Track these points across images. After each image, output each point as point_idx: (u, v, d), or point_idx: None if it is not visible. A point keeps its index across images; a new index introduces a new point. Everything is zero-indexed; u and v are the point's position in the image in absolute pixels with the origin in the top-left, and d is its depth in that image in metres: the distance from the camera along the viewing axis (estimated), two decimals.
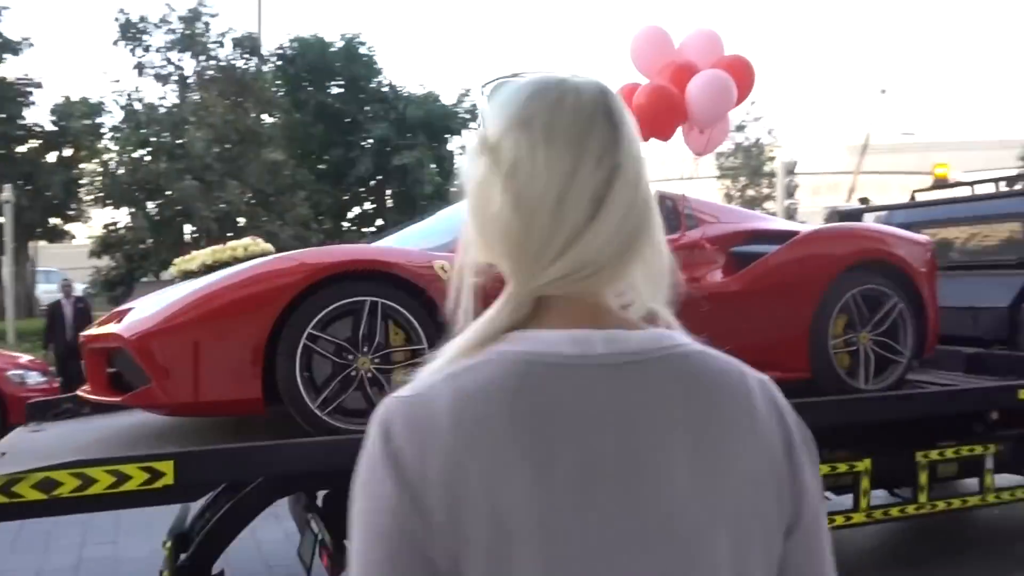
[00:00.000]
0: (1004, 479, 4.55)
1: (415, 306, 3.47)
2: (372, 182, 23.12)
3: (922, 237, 4.60)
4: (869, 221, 6.10)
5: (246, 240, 4.36)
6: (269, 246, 4.32)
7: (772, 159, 26.34)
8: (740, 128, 27.04)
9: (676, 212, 4.26)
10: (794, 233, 4.33)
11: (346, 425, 3.37)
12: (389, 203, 23.73)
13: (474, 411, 0.74)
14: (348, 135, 22.68)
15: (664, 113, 3.80)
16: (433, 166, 21.68)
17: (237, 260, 4.12)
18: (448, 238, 3.90)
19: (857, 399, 4.08)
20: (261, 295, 3.36)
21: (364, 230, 22.94)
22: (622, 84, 4.16)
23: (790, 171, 22.58)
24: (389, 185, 23.20)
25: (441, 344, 0.83)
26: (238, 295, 3.38)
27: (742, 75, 3.98)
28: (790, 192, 22.02)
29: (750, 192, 27.87)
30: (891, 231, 4.42)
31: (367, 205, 24.80)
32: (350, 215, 24.93)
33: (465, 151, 0.86)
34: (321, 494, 3.92)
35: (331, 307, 3.36)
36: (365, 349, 3.40)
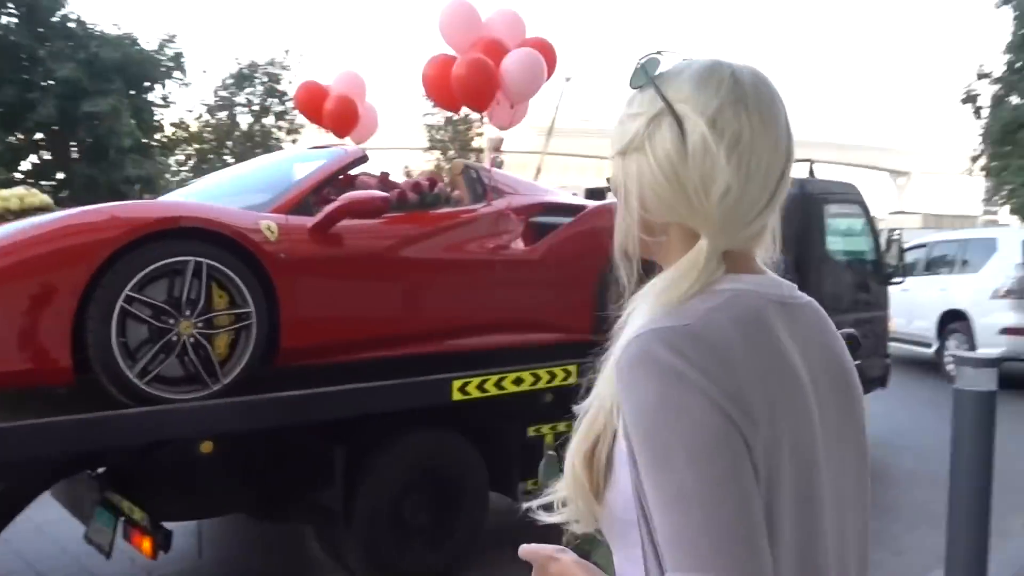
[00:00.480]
0: None
1: (241, 267, 3.31)
2: (54, 128, 20.41)
3: None
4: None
5: (19, 190, 3.76)
6: (47, 198, 3.78)
7: (480, 135, 27.46)
8: None
9: (481, 182, 4.45)
10: (580, 207, 4.73)
11: (166, 395, 3.16)
12: (75, 154, 21.11)
13: (756, 337, 0.86)
14: (24, 73, 19.75)
15: (483, 85, 3.95)
16: (132, 119, 19.63)
17: (12, 213, 3.58)
18: (267, 196, 3.75)
19: None
20: (71, 252, 3.01)
21: (42, 183, 20.22)
22: (433, 55, 4.24)
23: (496, 148, 23.85)
24: (75, 134, 20.63)
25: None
26: (42, 251, 2.99)
27: (549, 56, 4.25)
28: (497, 167, 23.18)
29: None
30: None
31: (46, 155, 21.86)
32: (24, 165, 21.82)
33: (632, 119, 0.93)
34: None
35: (152, 267, 3.10)
36: (188, 312, 3.19)
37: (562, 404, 4.23)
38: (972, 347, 9.27)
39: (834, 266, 6.36)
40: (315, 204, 3.76)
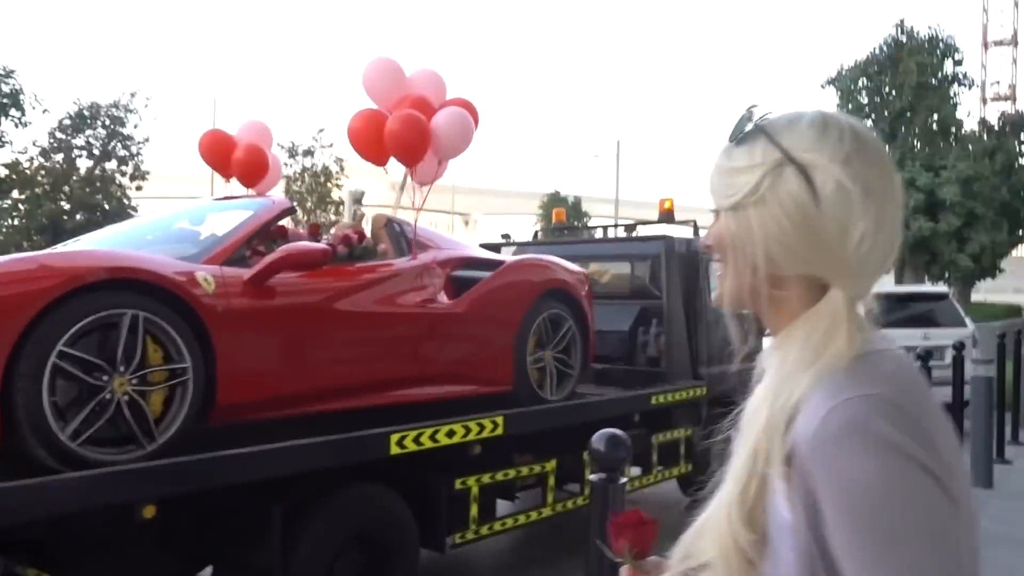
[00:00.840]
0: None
1: (179, 321, 3.17)
2: None
3: (582, 270, 5.44)
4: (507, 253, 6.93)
5: None
6: None
7: (340, 186, 27.21)
8: (308, 153, 27.49)
9: (405, 236, 4.47)
10: (499, 262, 4.84)
11: (101, 457, 2.95)
12: None
13: (929, 400, 0.85)
14: None
15: (416, 141, 4.01)
16: None
17: None
18: (196, 247, 3.61)
19: (556, 407, 4.73)
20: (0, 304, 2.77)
21: None
22: (360, 110, 4.26)
23: (357, 200, 23.73)
24: None
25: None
26: None
27: (473, 115, 4.38)
28: (357, 220, 23.03)
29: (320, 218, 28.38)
30: (565, 263, 5.16)
31: None
32: None
33: (747, 172, 0.93)
34: None
35: (87, 319, 2.92)
36: (122, 368, 3.01)
37: (489, 456, 4.30)
38: None
39: (719, 317, 6.77)
40: (249, 256, 3.67)
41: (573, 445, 5.01)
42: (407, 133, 3.97)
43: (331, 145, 27.50)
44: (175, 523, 3.36)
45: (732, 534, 0.87)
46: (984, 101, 41.41)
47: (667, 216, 7.04)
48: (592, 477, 1.89)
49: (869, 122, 23.74)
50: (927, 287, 14.49)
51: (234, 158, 4.85)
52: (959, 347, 6.70)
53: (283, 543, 3.41)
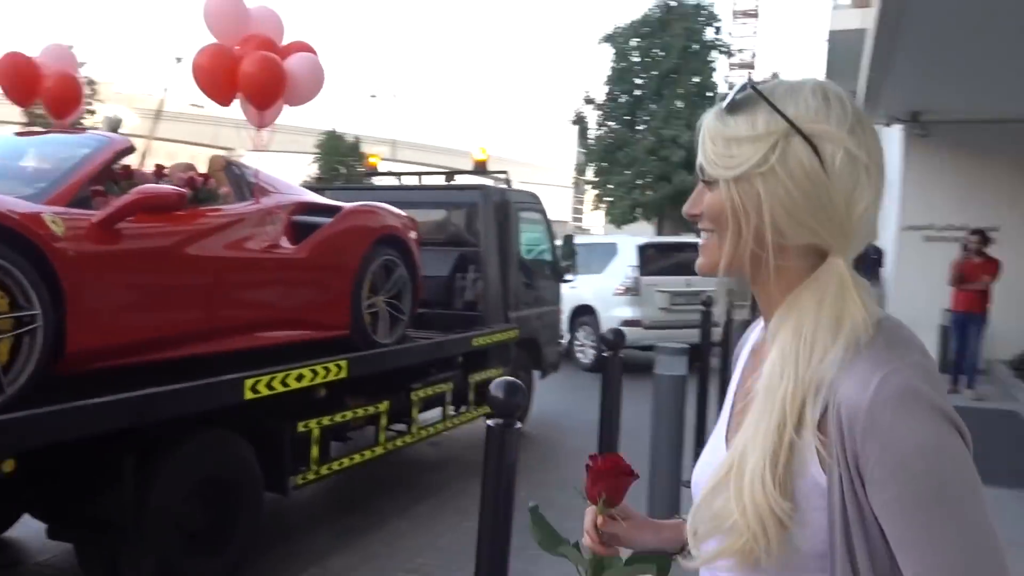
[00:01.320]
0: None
1: (26, 265, 2.98)
2: None
3: (410, 216, 5.58)
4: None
5: None
6: None
7: (92, 112, 24.72)
8: None
9: (246, 180, 4.38)
10: (338, 207, 4.86)
11: None
12: None
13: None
14: None
15: (272, 84, 3.93)
16: None
17: None
18: (36, 187, 3.37)
19: (394, 350, 4.92)
20: None
21: None
22: (206, 45, 4.08)
23: (114, 128, 21.69)
24: None
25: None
26: None
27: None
28: None
29: None
30: (395, 210, 5.27)
31: None
32: None
33: (751, 142, 0.91)
34: None
35: None
36: None
37: (332, 399, 4.41)
38: (599, 338, 10.89)
39: (525, 265, 7.22)
40: (91, 197, 3.47)
41: (400, 387, 5.24)
42: (264, 75, 3.89)
43: (83, 65, 24.78)
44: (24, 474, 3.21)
45: (769, 502, 0.86)
46: (730, 67, 45.34)
47: (481, 167, 7.32)
48: (490, 423, 2.11)
49: (639, 80, 25.43)
50: (691, 238, 16.02)
51: (44, 87, 4.45)
52: (707, 302, 7.40)
53: (136, 494, 3.36)
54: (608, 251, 11.78)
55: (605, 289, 11.11)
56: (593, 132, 24.50)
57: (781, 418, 0.88)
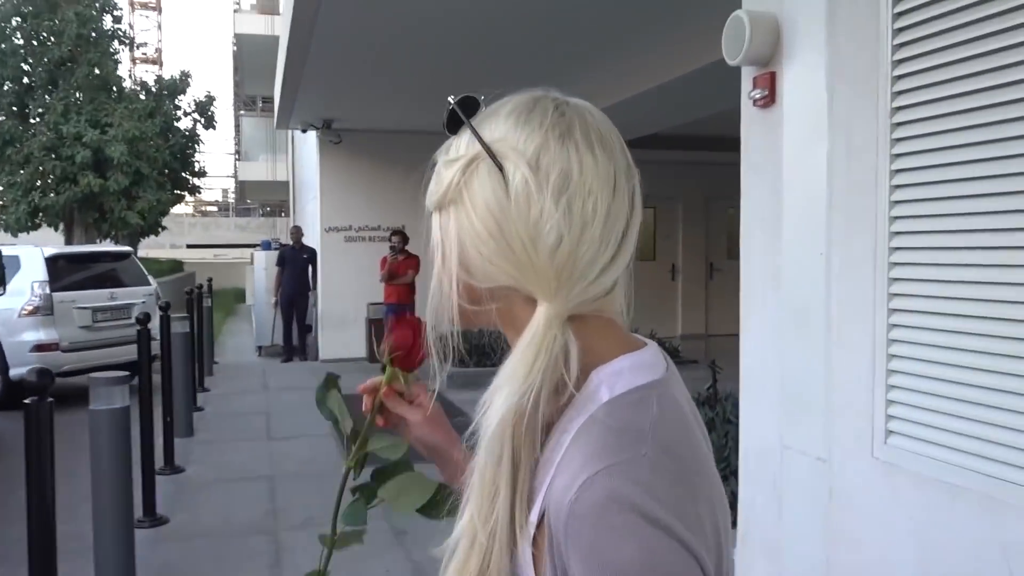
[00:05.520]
0: None
1: None
2: None
3: None
4: None
5: None
6: None
7: None
8: None
9: None
10: None
11: None
12: None
13: (695, 450, 0.74)
14: None
15: None
16: None
17: None
18: None
19: None
20: None
21: None
22: None
23: None
24: None
25: None
26: None
27: None
28: None
29: None
30: None
31: None
32: None
33: (447, 167, 0.80)
34: None
35: None
36: None
37: None
38: (3, 367, 9.29)
39: None
40: None
41: None
42: None
43: None
44: None
45: None
46: (134, 62, 42.87)
47: None
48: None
49: (27, 66, 22.27)
50: (110, 246, 14.64)
51: None
52: (144, 319, 6.58)
53: None
54: (8, 264, 10.08)
55: (7, 310, 9.49)
56: None
57: (492, 521, 0.74)
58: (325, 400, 1.02)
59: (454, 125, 0.81)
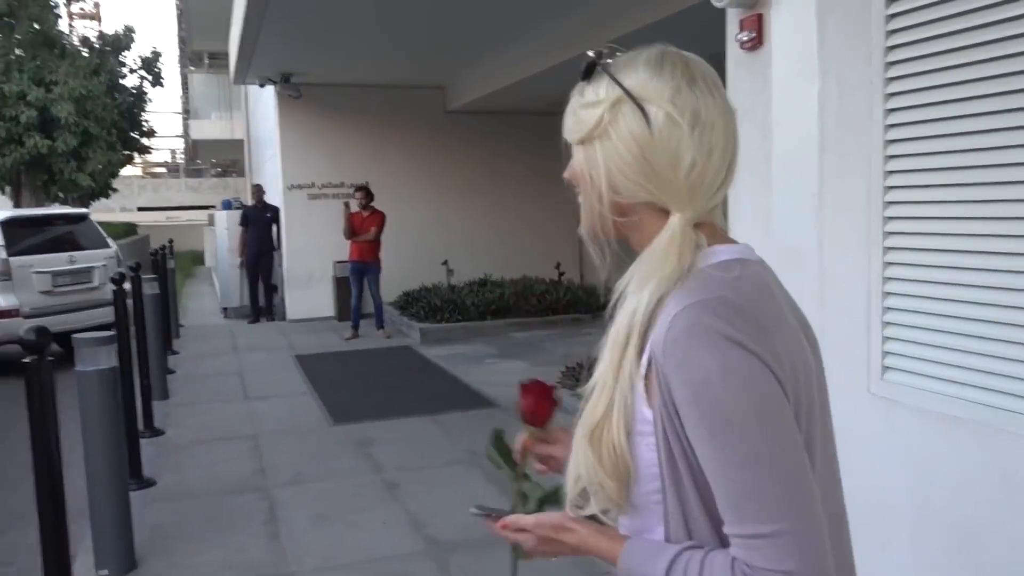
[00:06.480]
0: None
1: None
2: None
3: None
4: None
5: None
6: None
7: None
8: None
9: None
10: None
11: None
12: None
13: (771, 303, 0.95)
14: None
15: None
16: None
17: None
18: None
19: None
20: None
21: None
22: None
23: None
24: None
25: None
26: None
27: None
28: None
29: None
30: None
31: None
32: None
33: (587, 108, 1.00)
34: None
35: None
36: None
37: None
38: None
39: None
40: None
41: None
42: None
43: None
44: None
45: (616, 440, 0.94)
46: (72, 17, 41.20)
47: None
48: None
49: None
50: (66, 208, 14.18)
51: None
52: (119, 279, 6.45)
53: None
54: None
55: None
56: None
57: (618, 366, 0.96)
58: (494, 454, 1.25)
59: (589, 73, 1.01)
